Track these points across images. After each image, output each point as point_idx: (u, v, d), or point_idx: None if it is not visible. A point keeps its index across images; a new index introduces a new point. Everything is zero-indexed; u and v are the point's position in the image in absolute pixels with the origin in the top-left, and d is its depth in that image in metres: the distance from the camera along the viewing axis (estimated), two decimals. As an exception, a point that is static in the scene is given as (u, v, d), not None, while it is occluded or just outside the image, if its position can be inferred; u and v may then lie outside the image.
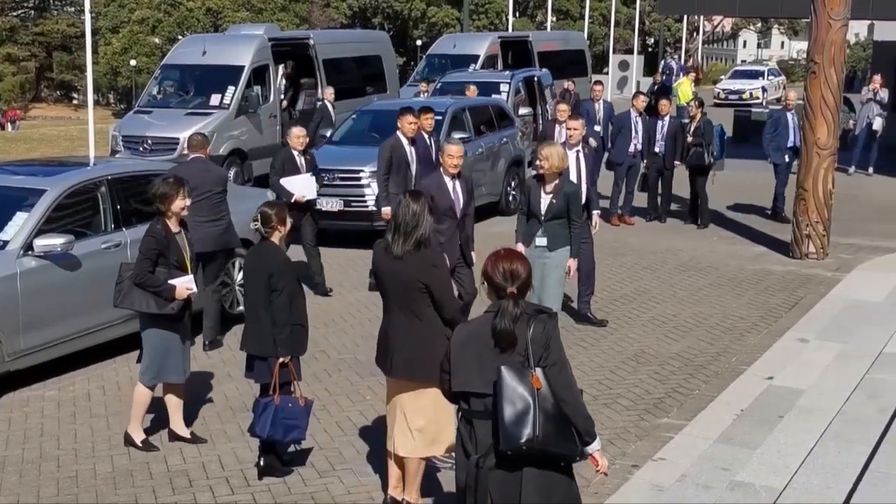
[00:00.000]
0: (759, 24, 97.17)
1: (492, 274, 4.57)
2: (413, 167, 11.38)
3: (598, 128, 16.78)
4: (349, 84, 22.34)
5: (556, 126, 14.11)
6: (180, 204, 7.09)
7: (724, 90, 45.05)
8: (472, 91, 18.56)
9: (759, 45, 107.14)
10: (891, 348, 9.14)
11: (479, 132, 16.24)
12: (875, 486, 6.03)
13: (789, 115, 15.92)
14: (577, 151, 9.99)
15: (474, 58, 28.56)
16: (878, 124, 21.20)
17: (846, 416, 7.51)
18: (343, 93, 21.58)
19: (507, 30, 48.72)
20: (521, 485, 4.52)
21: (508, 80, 21.58)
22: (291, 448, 7.11)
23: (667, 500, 6.31)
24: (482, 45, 29.93)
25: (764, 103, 38.08)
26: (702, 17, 68.73)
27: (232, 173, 18.71)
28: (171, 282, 6.98)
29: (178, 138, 18.32)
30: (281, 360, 6.59)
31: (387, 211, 10.76)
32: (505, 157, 16.63)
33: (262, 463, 6.80)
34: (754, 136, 27.54)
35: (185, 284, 7.03)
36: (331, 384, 8.67)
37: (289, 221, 6.91)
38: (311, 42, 21.86)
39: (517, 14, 61.39)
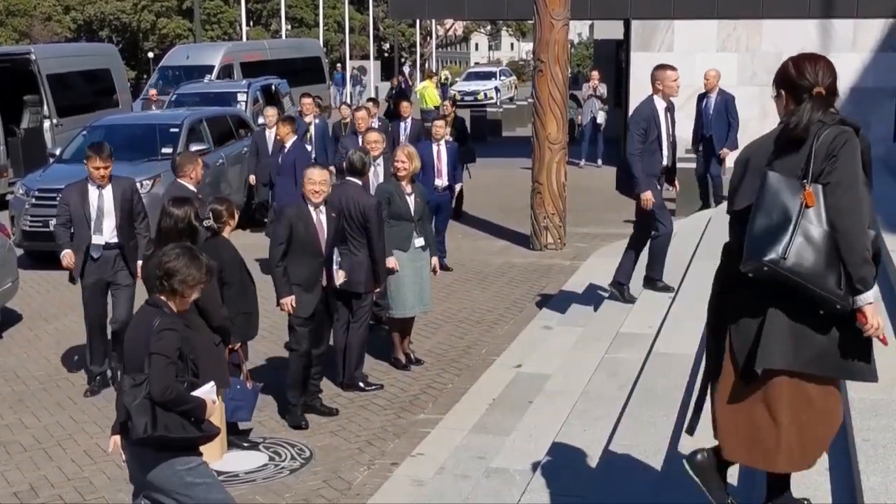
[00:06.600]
0: (490, 27, 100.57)
1: (797, 74, 3.81)
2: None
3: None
4: (78, 100, 21.40)
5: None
6: (197, 292, 5.02)
7: (459, 92, 46.30)
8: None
9: (490, 48, 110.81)
10: (625, 329, 9.63)
11: (218, 142, 15.99)
12: (618, 458, 6.34)
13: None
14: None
15: (209, 68, 28.06)
16: (601, 118, 22.48)
17: (589, 395, 7.85)
18: (72, 109, 20.67)
19: (241, 39, 48.11)
20: (762, 329, 3.68)
21: (246, 90, 21.40)
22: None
23: (427, 493, 6.42)
24: (216, 55, 29.43)
25: (498, 103, 39.38)
26: (434, 22, 70.37)
27: (-47, 199, 17.58)
28: (195, 394, 4.78)
29: None
30: (231, 346, 6.85)
31: None
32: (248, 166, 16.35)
33: None
34: (491, 136, 28.64)
35: (209, 396, 4.88)
36: (76, 412, 8.29)
37: (237, 214, 7.14)
38: (33, 57, 20.73)
39: (251, 24, 60.65)
